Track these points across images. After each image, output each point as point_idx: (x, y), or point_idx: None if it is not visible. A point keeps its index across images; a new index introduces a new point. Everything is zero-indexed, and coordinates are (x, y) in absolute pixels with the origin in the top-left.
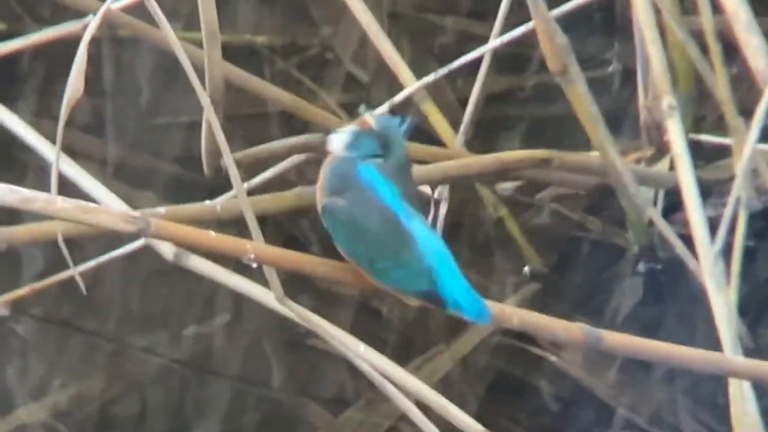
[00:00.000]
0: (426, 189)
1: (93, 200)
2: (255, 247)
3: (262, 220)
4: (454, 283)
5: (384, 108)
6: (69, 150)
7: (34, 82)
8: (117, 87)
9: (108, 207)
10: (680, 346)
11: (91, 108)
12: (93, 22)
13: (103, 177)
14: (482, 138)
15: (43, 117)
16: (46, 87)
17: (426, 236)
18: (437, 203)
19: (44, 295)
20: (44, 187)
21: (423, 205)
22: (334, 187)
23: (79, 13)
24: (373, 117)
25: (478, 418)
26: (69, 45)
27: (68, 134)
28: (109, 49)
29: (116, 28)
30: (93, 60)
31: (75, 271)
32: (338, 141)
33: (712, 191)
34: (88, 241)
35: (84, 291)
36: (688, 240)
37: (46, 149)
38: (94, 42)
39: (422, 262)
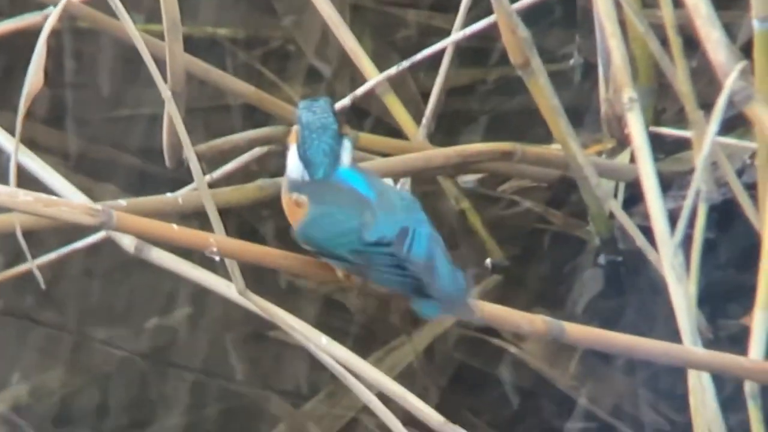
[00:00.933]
0: (388, 182)
1: (54, 193)
2: (217, 239)
3: (224, 212)
4: None
5: (346, 100)
6: (29, 142)
7: None
8: (78, 79)
9: (69, 200)
10: (640, 338)
11: (52, 100)
12: (53, 14)
13: (64, 169)
14: (444, 131)
15: (2, 109)
16: (6, 79)
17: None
18: None
19: (4, 288)
20: (3, 180)
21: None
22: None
23: (40, 5)
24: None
25: (440, 409)
26: (29, 36)
27: (28, 126)
28: (69, 41)
29: (77, 19)
30: (53, 52)
31: (33, 264)
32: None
33: (672, 184)
34: (50, 233)
35: (42, 284)
36: (648, 232)
37: (5, 141)
38: (55, 34)
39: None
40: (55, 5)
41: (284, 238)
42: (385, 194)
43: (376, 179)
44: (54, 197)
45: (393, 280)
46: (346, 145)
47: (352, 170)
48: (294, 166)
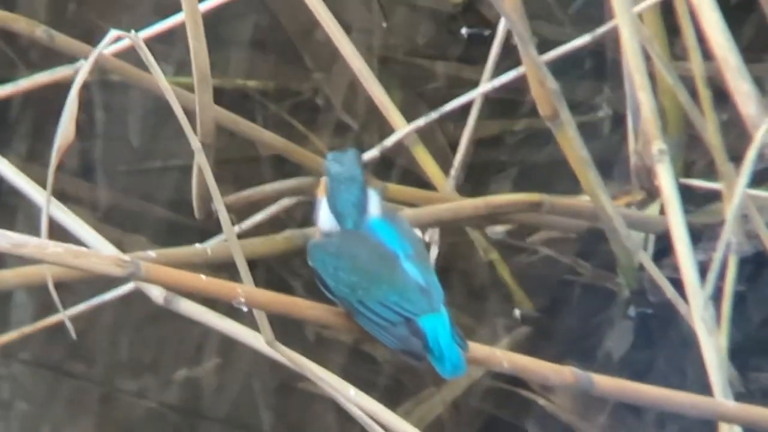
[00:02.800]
0: (417, 232)
1: (84, 244)
2: (245, 290)
3: (253, 263)
4: (440, 328)
5: (375, 151)
6: (60, 195)
7: (25, 127)
8: (108, 131)
9: (98, 251)
10: (671, 391)
11: (83, 152)
12: (84, 67)
13: (93, 221)
14: (473, 182)
15: (34, 162)
16: (38, 132)
17: (419, 276)
18: (428, 247)
19: (34, 339)
20: (34, 231)
21: (428, 258)
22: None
23: (71, 58)
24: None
25: None
26: (60, 90)
27: (59, 179)
28: (100, 94)
29: (107, 72)
30: (84, 104)
31: (64, 315)
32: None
33: (702, 236)
34: (80, 284)
35: (74, 335)
36: (678, 284)
37: (36, 194)
38: (86, 86)
39: (417, 289)
40: (86, 58)
41: (312, 289)
42: (418, 250)
43: (409, 230)
44: (83, 248)
45: (385, 338)
46: (373, 195)
47: (383, 221)
48: (325, 217)
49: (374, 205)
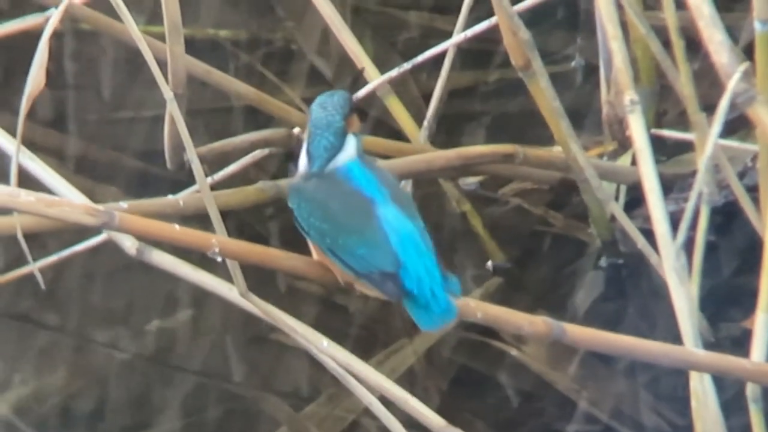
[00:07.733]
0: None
1: (54, 194)
2: (220, 240)
3: (225, 214)
4: (421, 270)
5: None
6: (30, 144)
7: None
8: (79, 81)
9: (71, 200)
10: (642, 340)
11: (53, 102)
12: (55, 15)
13: (65, 171)
14: (446, 133)
15: (4, 111)
16: (7, 80)
17: (399, 222)
18: None
19: (4, 290)
20: (4, 181)
21: (412, 205)
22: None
23: (41, 6)
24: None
25: (441, 412)
26: (30, 38)
27: (30, 128)
28: (71, 43)
29: (78, 21)
30: (55, 53)
31: (35, 267)
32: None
33: (673, 186)
34: (50, 235)
35: (43, 286)
36: (649, 234)
37: (6, 142)
38: (56, 35)
39: (388, 242)
40: (56, 7)
41: (286, 240)
42: (399, 195)
43: (388, 177)
44: (56, 197)
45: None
46: (351, 141)
47: (361, 165)
48: (301, 159)
49: (351, 148)
